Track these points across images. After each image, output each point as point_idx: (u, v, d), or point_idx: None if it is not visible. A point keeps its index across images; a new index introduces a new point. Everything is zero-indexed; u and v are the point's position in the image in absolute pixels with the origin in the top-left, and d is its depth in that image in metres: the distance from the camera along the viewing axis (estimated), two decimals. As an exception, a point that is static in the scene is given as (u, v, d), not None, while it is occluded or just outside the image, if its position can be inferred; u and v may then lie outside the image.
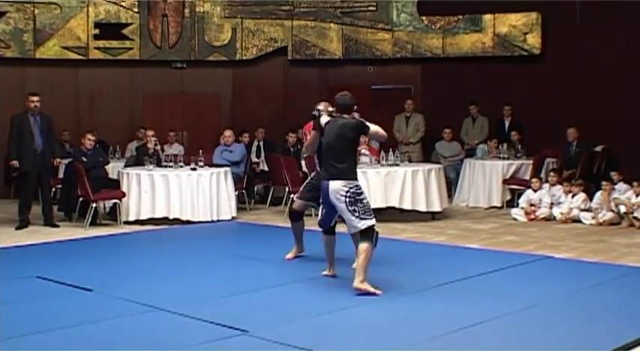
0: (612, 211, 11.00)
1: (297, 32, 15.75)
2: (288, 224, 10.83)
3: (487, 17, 14.94)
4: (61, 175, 12.28)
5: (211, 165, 11.96)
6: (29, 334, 5.63)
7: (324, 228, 7.35)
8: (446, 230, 10.69)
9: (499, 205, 12.72)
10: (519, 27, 14.72)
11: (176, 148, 13.98)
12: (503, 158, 13.04)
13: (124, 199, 11.12)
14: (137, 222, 11.09)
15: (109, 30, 14.95)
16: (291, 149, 13.42)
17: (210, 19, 15.54)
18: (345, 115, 7.19)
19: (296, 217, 8.35)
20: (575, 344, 5.44)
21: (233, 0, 15.52)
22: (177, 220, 11.06)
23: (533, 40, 14.65)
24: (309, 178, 8.39)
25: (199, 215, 11.14)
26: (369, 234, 6.82)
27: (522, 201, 11.81)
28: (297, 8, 15.67)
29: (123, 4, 15.01)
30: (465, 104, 14.64)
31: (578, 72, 14.17)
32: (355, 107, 7.39)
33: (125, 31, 15.09)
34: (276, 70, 16.21)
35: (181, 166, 11.61)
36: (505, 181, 12.75)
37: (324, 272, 7.50)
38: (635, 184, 10.98)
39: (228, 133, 12.81)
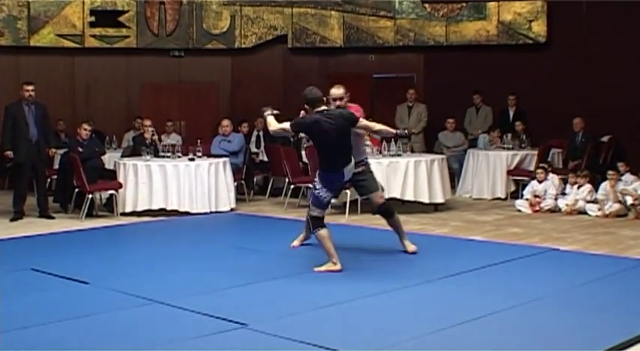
0: (619, 202, 11.00)
1: (297, 20, 15.72)
2: (288, 216, 10.87)
3: (491, 5, 14.91)
4: (56, 166, 12.27)
5: (210, 155, 11.96)
6: (24, 328, 5.63)
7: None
8: (449, 222, 10.69)
9: (503, 196, 12.72)
10: (524, 14, 14.70)
11: (174, 138, 13.98)
12: (508, 149, 13.03)
13: (120, 190, 11.12)
14: (134, 213, 11.09)
15: (105, 17, 14.93)
16: (291, 139, 13.40)
17: (208, 7, 15.52)
18: (324, 107, 7.46)
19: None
20: (581, 338, 5.44)
21: (232, -13, 15.52)
22: (174, 212, 11.06)
23: (539, 28, 14.63)
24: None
25: (197, 206, 11.14)
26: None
27: (527, 192, 11.81)
28: (298, -5, 15.66)
29: (119, -10, 15.01)
30: (469, 93, 14.63)
31: (585, 61, 14.14)
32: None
33: (122, 19, 15.06)
34: (276, 59, 16.19)
35: (179, 157, 11.60)
36: (509, 172, 12.74)
37: (334, 267, 7.43)
38: (642, 174, 10.99)
39: (225, 122, 12.80)
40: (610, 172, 11.28)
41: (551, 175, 11.79)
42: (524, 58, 14.76)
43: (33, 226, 10.40)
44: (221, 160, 11.58)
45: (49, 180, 12.27)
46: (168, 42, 15.42)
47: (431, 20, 15.25)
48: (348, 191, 10.81)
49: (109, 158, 12.46)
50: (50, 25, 14.66)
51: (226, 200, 11.42)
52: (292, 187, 11.99)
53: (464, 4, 15.07)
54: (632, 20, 13.66)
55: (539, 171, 11.84)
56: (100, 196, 11.73)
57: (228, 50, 15.81)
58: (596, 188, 11.35)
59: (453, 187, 12.92)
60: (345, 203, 10.90)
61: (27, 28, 14.52)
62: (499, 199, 12.70)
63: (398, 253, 8.14)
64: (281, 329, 5.58)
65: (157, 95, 15.69)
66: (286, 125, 7.61)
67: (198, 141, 11.90)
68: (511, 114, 14.36)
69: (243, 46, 15.75)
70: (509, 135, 13.35)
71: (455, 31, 15.14)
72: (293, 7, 15.69)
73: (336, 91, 7.95)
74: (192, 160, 11.38)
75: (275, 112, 7.90)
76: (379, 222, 10.49)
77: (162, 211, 11.07)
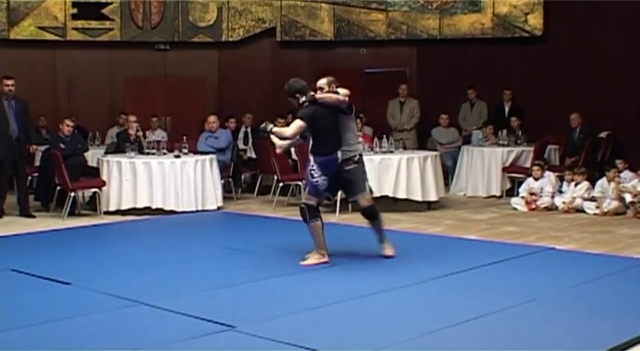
0: (618, 199, 11.02)
1: (286, 12, 15.71)
2: (277, 214, 10.86)
3: (486, -3, 14.93)
4: (37, 163, 12.24)
5: (196, 152, 11.95)
6: (3, 331, 5.61)
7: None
8: (442, 220, 10.70)
9: (498, 194, 12.74)
10: (520, 7, 14.71)
11: (159, 135, 13.96)
12: (503, 145, 13.06)
13: (104, 188, 11.10)
14: (118, 212, 11.07)
15: (87, 9, 14.89)
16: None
17: (194, -2, 15.50)
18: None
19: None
20: (578, 339, 5.46)
21: (219, -22, 15.50)
22: (160, 210, 11.05)
23: (535, 21, 14.65)
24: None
25: (183, 205, 11.12)
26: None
27: (523, 190, 11.83)
28: (287, -13, 15.65)
29: (102, -19, 14.97)
30: (463, 88, 14.64)
31: (582, 54, 14.17)
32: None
33: (105, 11, 15.02)
34: (265, 52, 16.17)
35: (164, 154, 11.59)
36: (505, 169, 12.76)
37: (323, 259, 7.58)
38: (641, 172, 11.02)
39: (212, 118, 12.78)
40: (611, 169, 11.30)
41: (548, 173, 11.81)
42: (520, 51, 14.78)
43: (13, 226, 10.37)
44: (208, 157, 11.56)
45: (29, 178, 12.23)
46: (153, 35, 15.39)
47: (424, 13, 15.26)
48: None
49: (92, 155, 12.43)
50: (31, 17, 14.60)
51: (213, 198, 11.41)
52: (281, 184, 11.98)
53: (458, -3, 15.09)
54: (631, 13, 13.68)
55: (535, 168, 11.86)
56: (83, 194, 11.70)
57: (215, 43, 15.78)
58: (593, 185, 11.38)
59: (447, 184, 12.93)
60: (335, 201, 10.90)
61: (6, 20, 14.47)
62: (494, 196, 12.72)
63: (390, 252, 8.14)
64: (270, 331, 5.58)
65: (141, 90, 15.65)
66: (298, 123, 7.66)
67: (184, 137, 11.89)
68: (506, 109, 14.38)
69: (230, 39, 15.73)
70: (505, 131, 13.38)
71: (449, 24, 15.15)
72: (282, 0, 15.69)
73: (320, 80, 8.03)
74: (177, 157, 11.36)
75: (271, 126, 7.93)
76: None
77: (146, 210, 11.04)
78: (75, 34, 14.90)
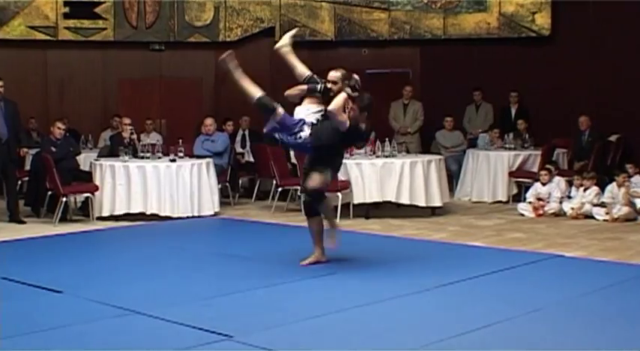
0: (628, 205, 11.03)
1: (285, 11, 15.74)
2: (275, 220, 10.87)
3: (492, -5, 14.97)
4: (28, 167, 12.26)
5: (192, 156, 11.96)
6: (-7, 340, 5.62)
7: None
8: (447, 227, 10.71)
9: (504, 199, 12.75)
10: (527, 6, 14.75)
11: (154, 138, 13.98)
12: (509, 149, 13.07)
13: (96, 193, 11.11)
14: (111, 218, 11.08)
15: (80, 8, 14.92)
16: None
17: (190, -3, 15.53)
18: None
19: (313, 210, 7.88)
20: None
21: (216, -24, 15.53)
22: (154, 216, 11.06)
23: (543, 21, 14.68)
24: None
25: (179, 210, 11.13)
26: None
27: (530, 195, 11.84)
28: (286, -15, 15.68)
29: (95, -20, 15.00)
30: (468, 90, 14.66)
31: (591, 55, 14.20)
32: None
33: (98, 10, 15.05)
34: (263, 53, 16.13)
35: (159, 157, 11.60)
36: (511, 174, 12.78)
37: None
38: (652, 176, 11.04)
39: (208, 121, 12.80)
40: (621, 174, 11.31)
41: (557, 178, 11.81)
42: (527, 52, 14.81)
43: (2, 232, 10.37)
44: (204, 161, 11.58)
45: (19, 182, 12.24)
46: (147, 35, 15.41)
47: (428, 12, 15.29)
48: (339, 194, 10.83)
49: (85, 159, 12.44)
50: (21, 16, 14.63)
51: (210, 204, 11.42)
52: (280, 189, 12.00)
53: (463, -5, 15.12)
54: (641, 12, 13.71)
55: (543, 172, 11.88)
56: (75, 199, 11.72)
57: (212, 44, 15.80)
58: (603, 190, 11.39)
59: (452, 189, 12.95)
60: (335, 207, 10.91)
61: (-4, 20, 14.50)
62: (500, 202, 12.74)
63: (392, 260, 8.15)
64: (268, 341, 5.58)
65: (135, 92, 15.68)
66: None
67: (180, 141, 11.90)
68: (513, 112, 14.41)
69: (227, 39, 15.75)
70: (511, 134, 13.40)
71: (453, 24, 15.18)
72: (281, -2, 15.72)
73: (332, 73, 7.87)
74: (173, 160, 11.37)
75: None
76: (372, 227, 10.55)
77: (141, 216, 11.05)
78: (67, 33, 14.93)
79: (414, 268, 7.91)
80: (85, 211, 11.41)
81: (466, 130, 14.66)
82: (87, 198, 11.26)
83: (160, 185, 11.07)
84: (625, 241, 9.63)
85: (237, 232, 10.44)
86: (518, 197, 12.49)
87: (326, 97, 7.64)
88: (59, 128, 11.60)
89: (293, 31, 8.23)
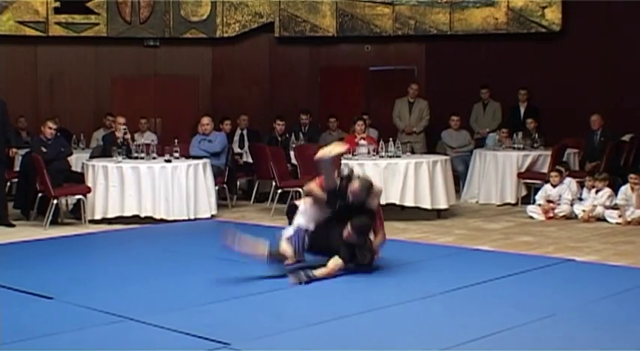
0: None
1: (285, 6, 15.73)
2: (275, 223, 10.84)
3: (500, -11, 14.97)
4: (17, 168, 12.25)
5: (188, 156, 11.95)
6: (-19, 348, 5.62)
7: None
8: (453, 230, 10.70)
9: (513, 201, 12.74)
10: (537, 0, 14.73)
11: (148, 137, 13.97)
12: (518, 149, 13.06)
13: (89, 195, 11.10)
14: (104, 221, 11.07)
15: (71, 3, 14.94)
16: (279, 139, 13.42)
17: (186, -9, 15.53)
18: None
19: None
20: (599, 358, 5.46)
21: (213, -31, 15.53)
22: (149, 219, 11.05)
23: (553, 15, 14.67)
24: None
25: (174, 213, 11.12)
26: None
27: (539, 197, 11.83)
28: (286, -22, 15.68)
29: (87, -27, 15.01)
30: (475, 88, 14.65)
31: (604, 51, 14.19)
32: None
33: (90, 4, 15.06)
34: (262, 49, 16.20)
35: (154, 158, 11.59)
36: (520, 175, 12.77)
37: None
38: (667, 178, 11.02)
39: (205, 120, 12.79)
40: (632, 175, 11.30)
41: (568, 179, 11.79)
42: (536, 48, 14.80)
43: (-9, 235, 10.39)
44: (201, 161, 11.57)
45: (8, 183, 12.24)
46: (142, 30, 15.42)
47: (433, 7, 15.28)
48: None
49: (77, 159, 12.44)
50: (10, 10, 14.64)
51: (206, 206, 11.41)
52: (279, 191, 11.99)
53: (470, -11, 15.12)
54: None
55: (553, 174, 11.86)
56: (66, 201, 11.71)
57: (209, 40, 15.81)
58: (616, 192, 11.38)
59: (458, 191, 12.95)
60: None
61: (-16, 15, 14.51)
62: (509, 204, 12.72)
63: (395, 265, 8.14)
64: (266, 348, 5.58)
65: (129, 89, 15.68)
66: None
67: (176, 140, 11.89)
68: (522, 110, 14.40)
69: (225, 35, 15.76)
70: (520, 133, 13.37)
71: (460, 19, 15.18)
72: (281, -8, 15.72)
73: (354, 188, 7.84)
74: (168, 161, 11.36)
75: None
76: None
77: (135, 219, 11.05)
78: (58, 29, 14.93)
79: (419, 274, 7.91)
80: (76, 213, 11.40)
81: (473, 130, 14.64)
82: (79, 200, 11.26)
83: (155, 187, 11.06)
84: (639, 245, 9.62)
85: (235, 236, 10.42)
86: (528, 199, 12.48)
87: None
88: (50, 128, 11.60)
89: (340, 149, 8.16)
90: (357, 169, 11.12)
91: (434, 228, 10.83)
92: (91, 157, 12.20)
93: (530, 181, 12.74)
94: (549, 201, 11.67)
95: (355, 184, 7.72)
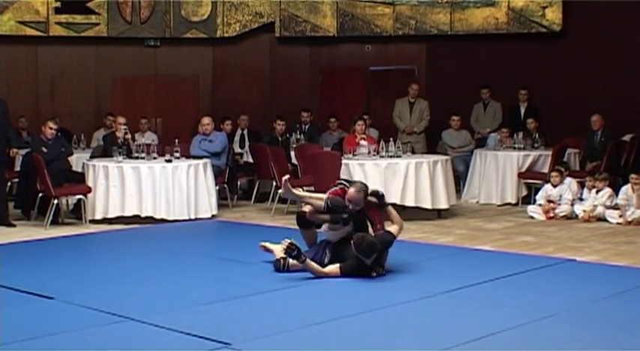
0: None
1: (285, 6, 15.73)
2: (275, 223, 10.86)
3: (501, -11, 14.96)
4: (17, 168, 12.25)
5: (189, 156, 11.95)
6: (-18, 348, 5.62)
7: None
8: (453, 230, 10.71)
9: (514, 201, 12.74)
10: (537, 0, 14.73)
11: (149, 137, 13.96)
12: (519, 149, 13.05)
13: (89, 195, 11.10)
14: (104, 221, 11.08)
15: (72, 3, 14.93)
16: (279, 139, 13.41)
17: (187, -9, 15.53)
18: None
19: (305, 223, 8.18)
20: (600, 358, 5.46)
21: (213, -31, 15.53)
22: (149, 219, 11.05)
23: (553, 15, 14.67)
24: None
25: (175, 213, 11.12)
26: None
27: (540, 197, 11.83)
28: (286, -21, 15.68)
29: (88, -27, 15.00)
30: (476, 88, 14.65)
31: (604, 51, 14.19)
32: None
33: (91, 5, 15.06)
34: (262, 49, 16.20)
35: (155, 158, 11.59)
36: (520, 175, 12.77)
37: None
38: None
39: (206, 120, 12.79)
40: (633, 175, 11.30)
41: (569, 179, 11.80)
42: (537, 48, 14.80)
43: (-9, 235, 10.39)
44: (201, 161, 11.57)
45: (9, 183, 12.24)
46: (142, 30, 15.41)
47: (434, 7, 15.28)
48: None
49: (77, 159, 12.44)
50: (10, 10, 14.63)
51: (207, 206, 11.41)
52: (280, 191, 11.97)
53: (470, -11, 15.12)
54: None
55: (553, 174, 11.86)
56: (67, 201, 11.71)
57: (209, 40, 15.81)
58: (616, 192, 11.38)
59: (458, 191, 12.95)
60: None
61: (-16, 15, 14.51)
62: (509, 204, 12.73)
63: (396, 265, 8.14)
64: (267, 348, 5.58)
65: (130, 89, 15.68)
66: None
67: (176, 140, 11.89)
68: (522, 110, 14.39)
69: (225, 35, 15.76)
70: (521, 134, 13.37)
71: (460, 19, 15.17)
72: (281, -8, 15.72)
73: (352, 194, 7.89)
74: (169, 161, 11.36)
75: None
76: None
77: (135, 219, 11.05)
78: (58, 29, 14.93)
79: (419, 274, 7.91)
80: (77, 213, 11.40)
81: (474, 130, 14.64)
82: (79, 200, 11.26)
83: (156, 187, 11.06)
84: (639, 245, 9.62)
85: (236, 236, 10.44)
86: (528, 199, 12.48)
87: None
88: (51, 128, 11.60)
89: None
90: (358, 170, 11.16)
91: (434, 228, 10.84)
92: (92, 157, 12.20)
93: (531, 181, 12.74)
94: (550, 201, 11.67)
95: (350, 190, 7.78)
